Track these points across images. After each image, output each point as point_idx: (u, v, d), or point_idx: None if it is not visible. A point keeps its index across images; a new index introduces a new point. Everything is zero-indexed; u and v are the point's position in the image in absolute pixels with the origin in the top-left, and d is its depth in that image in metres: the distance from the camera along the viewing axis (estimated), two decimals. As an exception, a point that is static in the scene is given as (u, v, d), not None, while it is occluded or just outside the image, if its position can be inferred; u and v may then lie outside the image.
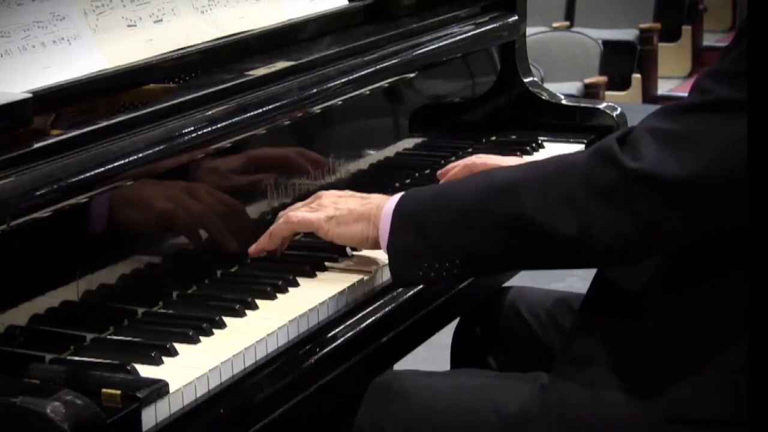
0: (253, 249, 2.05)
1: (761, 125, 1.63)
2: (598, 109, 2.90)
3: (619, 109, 2.91)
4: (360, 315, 1.97)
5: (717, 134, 1.63)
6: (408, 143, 2.60)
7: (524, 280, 2.40)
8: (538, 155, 2.73)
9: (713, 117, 1.64)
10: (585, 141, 2.80)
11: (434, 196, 1.85)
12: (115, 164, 1.81)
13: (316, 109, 2.24)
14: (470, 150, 2.78)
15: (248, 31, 2.36)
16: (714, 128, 1.63)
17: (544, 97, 2.92)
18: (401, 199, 1.89)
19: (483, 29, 2.79)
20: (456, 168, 2.29)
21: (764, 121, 1.62)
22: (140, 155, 1.85)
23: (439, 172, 2.36)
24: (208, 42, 2.27)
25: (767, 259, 1.57)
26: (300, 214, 2.00)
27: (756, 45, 1.63)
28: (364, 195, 2.01)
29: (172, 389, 1.63)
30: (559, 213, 1.68)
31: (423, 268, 1.83)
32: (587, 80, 7.11)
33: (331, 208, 1.99)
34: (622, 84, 8.19)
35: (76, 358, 1.75)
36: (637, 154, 1.65)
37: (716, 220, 1.66)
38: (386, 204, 1.91)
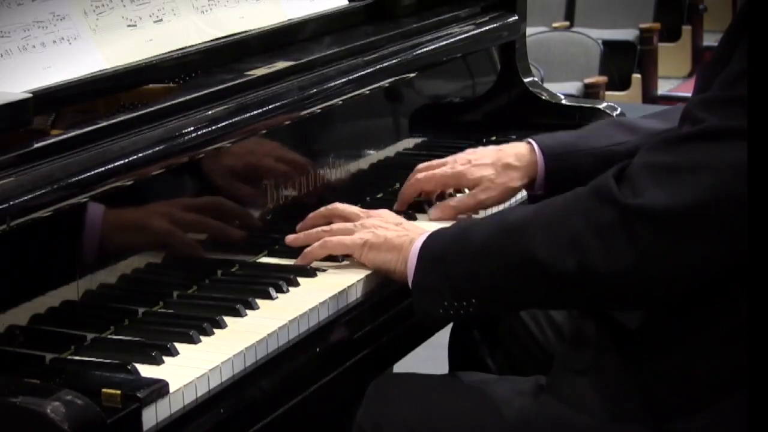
0: (302, 252, 2.08)
1: (761, 129, 1.64)
2: (598, 109, 2.90)
3: (619, 109, 2.91)
4: (360, 315, 1.97)
5: (712, 163, 1.65)
6: (408, 143, 2.60)
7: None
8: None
9: (707, 146, 1.65)
10: (585, 141, 2.80)
11: (454, 235, 1.89)
12: (115, 164, 1.81)
13: (316, 109, 2.24)
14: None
15: (248, 31, 2.36)
16: (708, 157, 1.65)
17: (544, 97, 2.92)
18: (427, 238, 1.92)
19: (483, 29, 2.79)
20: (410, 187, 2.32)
21: (764, 129, 1.63)
22: (140, 155, 1.85)
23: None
24: (208, 42, 2.27)
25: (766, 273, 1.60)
26: (336, 238, 2.04)
27: (756, 45, 1.64)
28: (407, 226, 2.04)
29: (172, 389, 1.63)
30: (562, 253, 1.72)
31: (443, 306, 1.86)
32: (587, 80, 7.10)
33: (369, 232, 2.02)
34: (622, 84, 8.18)
35: (76, 358, 1.75)
36: (634, 189, 1.67)
37: (717, 249, 1.67)
38: (417, 240, 1.94)
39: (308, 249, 2.07)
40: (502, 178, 2.24)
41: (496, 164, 2.25)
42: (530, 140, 2.28)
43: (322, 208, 2.15)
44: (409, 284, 1.92)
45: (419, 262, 1.90)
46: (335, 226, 2.08)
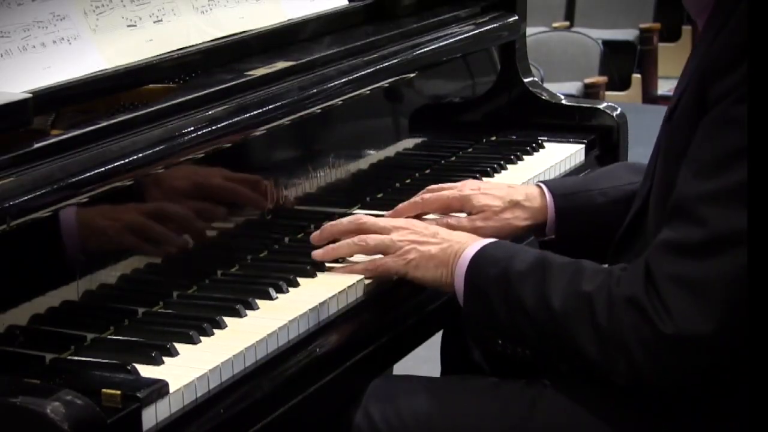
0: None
1: (761, 123, 1.65)
2: (598, 109, 2.90)
3: (619, 109, 2.91)
4: (360, 315, 1.97)
5: (728, 274, 1.69)
6: (408, 143, 2.60)
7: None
8: (538, 155, 2.73)
9: (720, 258, 1.70)
10: (585, 141, 2.80)
11: (498, 278, 1.89)
12: (115, 164, 1.81)
13: (316, 109, 2.24)
14: (470, 150, 2.78)
15: (248, 31, 2.36)
16: (723, 268, 1.70)
17: (544, 97, 2.92)
18: (472, 261, 1.92)
19: (483, 29, 2.79)
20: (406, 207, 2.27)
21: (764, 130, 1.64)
22: (140, 155, 1.85)
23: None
24: (208, 42, 2.27)
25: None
26: (381, 266, 2.02)
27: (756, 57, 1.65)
28: (444, 235, 2.02)
29: (172, 389, 1.63)
30: (610, 357, 1.77)
31: (498, 344, 1.90)
32: (587, 80, 7.11)
33: (412, 251, 2.01)
34: (622, 84, 8.19)
35: (76, 358, 1.75)
36: (666, 308, 1.71)
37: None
38: (463, 253, 1.95)
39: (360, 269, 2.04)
40: (506, 214, 2.22)
41: (504, 198, 2.22)
42: (540, 184, 2.26)
43: (345, 221, 2.10)
44: (461, 303, 1.93)
45: (467, 292, 1.91)
46: (371, 240, 2.04)
